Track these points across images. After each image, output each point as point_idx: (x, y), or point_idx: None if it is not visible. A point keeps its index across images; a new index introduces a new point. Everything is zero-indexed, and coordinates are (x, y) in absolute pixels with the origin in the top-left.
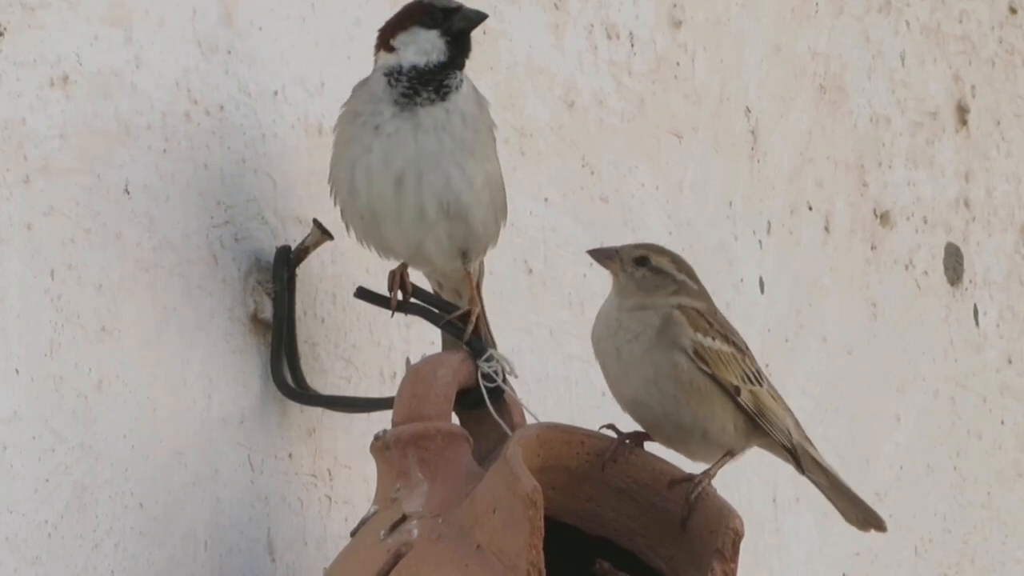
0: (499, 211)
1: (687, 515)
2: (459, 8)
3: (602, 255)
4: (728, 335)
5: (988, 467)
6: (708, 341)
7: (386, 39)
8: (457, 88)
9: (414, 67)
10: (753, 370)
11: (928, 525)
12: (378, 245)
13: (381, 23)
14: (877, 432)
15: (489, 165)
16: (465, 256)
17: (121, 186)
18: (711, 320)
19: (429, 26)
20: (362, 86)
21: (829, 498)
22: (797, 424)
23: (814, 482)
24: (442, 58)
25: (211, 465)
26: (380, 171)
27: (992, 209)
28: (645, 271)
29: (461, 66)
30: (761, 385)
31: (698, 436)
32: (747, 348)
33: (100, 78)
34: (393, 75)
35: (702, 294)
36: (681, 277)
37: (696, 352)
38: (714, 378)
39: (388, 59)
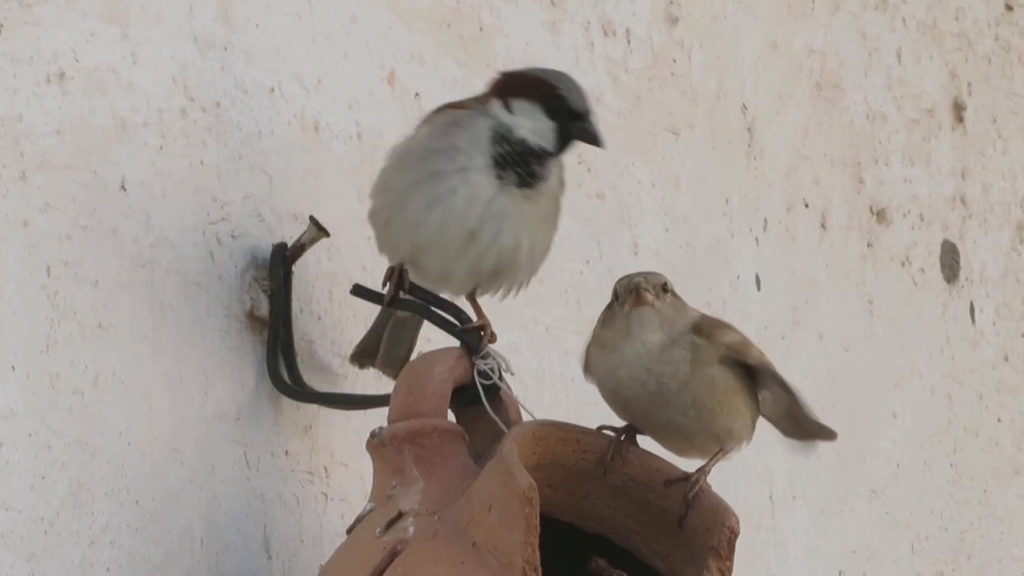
0: (535, 270)
1: (684, 513)
2: (585, 116)
3: (637, 293)
4: (724, 323)
5: (985, 464)
6: (734, 338)
7: (507, 92)
8: (547, 179)
9: (523, 141)
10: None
11: (925, 522)
12: (404, 256)
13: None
14: (874, 429)
15: (549, 234)
16: (475, 291)
17: (117, 182)
18: (712, 324)
19: (551, 115)
20: (467, 121)
21: (771, 419)
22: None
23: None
24: (548, 148)
25: (207, 462)
26: (457, 218)
27: (988, 206)
28: (670, 296)
29: (559, 154)
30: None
31: (724, 437)
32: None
33: (96, 74)
34: (499, 137)
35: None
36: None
37: (731, 348)
38: (747, 368)
39: (500, 115)
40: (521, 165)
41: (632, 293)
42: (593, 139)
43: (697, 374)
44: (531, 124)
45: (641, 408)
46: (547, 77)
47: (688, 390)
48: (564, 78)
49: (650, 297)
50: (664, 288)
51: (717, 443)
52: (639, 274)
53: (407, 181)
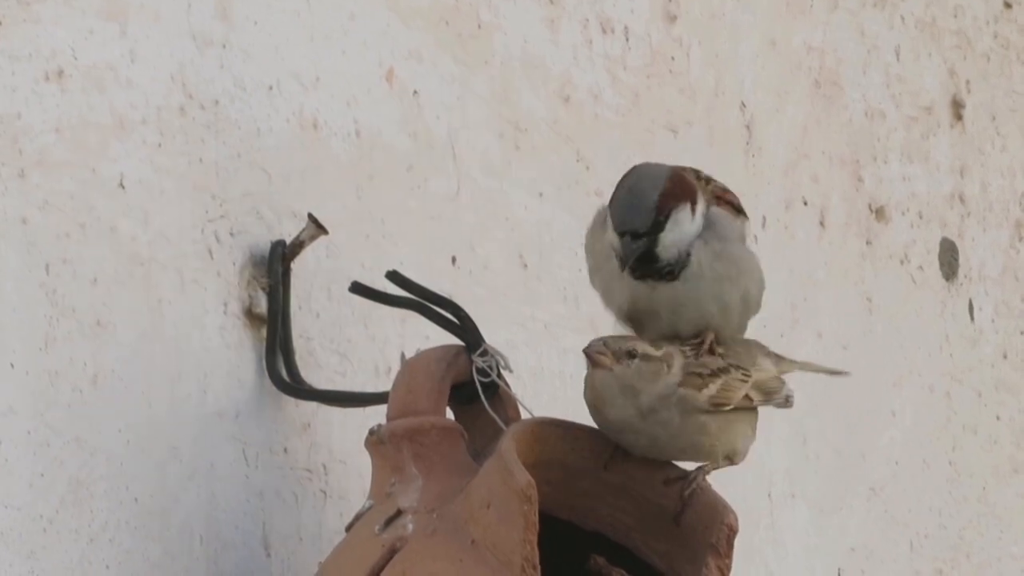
0: (750, 310)
1: (681, 511)
2: (622, 234)
3: (595, 355)
4: (709, 363)
5: (984, 462)
6: (713, 389)
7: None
8: (684, 265)
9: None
10: (734, 361)
11: (923, 520)
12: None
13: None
14: (873, 427)
15: (744, 280)
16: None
17: (116, 180)
18: (699, 369)
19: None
20: (603, 240)
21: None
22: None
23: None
24: (617, 260)
25: (206, 459)
26: (645, 310)
27: (987, 204)
28: (637, 362)
29: (651, 262)
30: (748, 371)
31: (727, 457)
32: (710, 341)
33: (95, 72)
34: (618, 259)
35: (672, 351)
36: (659, 354)
37: (713, 403)
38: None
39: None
40: (650, 275)
41: (587, 356)
42: (621, 263)
43: (687, 422)
44: (609, 232)
45: (642, 452)
46: (620, 182)
47: (683, 436)
48: (624, 187)
49: (605, 360)
50: (630, 354)
51: (723, 461)
52: (602, 338)
53: (590, 268)
